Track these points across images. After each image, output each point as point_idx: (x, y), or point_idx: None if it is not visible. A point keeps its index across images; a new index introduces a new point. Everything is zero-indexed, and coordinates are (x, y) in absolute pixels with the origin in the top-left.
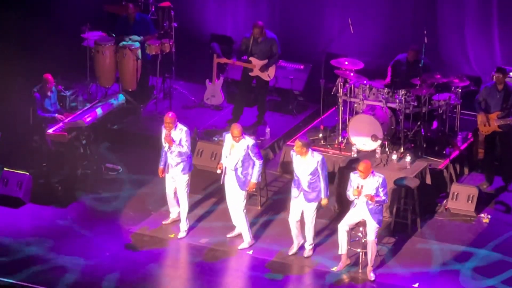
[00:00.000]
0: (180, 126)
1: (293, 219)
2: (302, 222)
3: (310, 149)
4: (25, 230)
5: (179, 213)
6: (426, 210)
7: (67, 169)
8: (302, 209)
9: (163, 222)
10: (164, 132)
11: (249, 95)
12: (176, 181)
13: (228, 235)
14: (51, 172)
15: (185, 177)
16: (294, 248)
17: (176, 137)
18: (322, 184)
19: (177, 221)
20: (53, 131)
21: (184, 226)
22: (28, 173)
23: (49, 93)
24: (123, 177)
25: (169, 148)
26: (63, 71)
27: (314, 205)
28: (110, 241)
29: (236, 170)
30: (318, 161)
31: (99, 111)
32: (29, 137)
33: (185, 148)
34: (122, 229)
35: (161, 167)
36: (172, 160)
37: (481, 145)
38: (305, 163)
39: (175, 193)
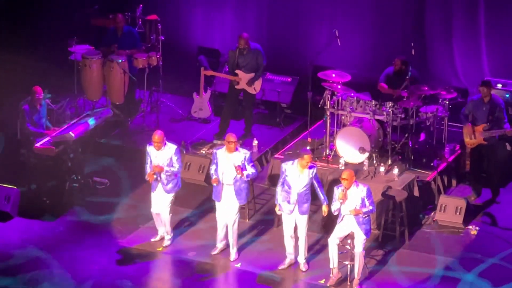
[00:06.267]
0: (169, 144)
1: (288, 234)
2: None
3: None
4: (13, 244)
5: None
6: (414, 222)
7: (55, 182)
8: (294, 223)
9: (152, 240)
10: (152, 152)
11: (236, 108)
12: (162, 197)
13: (213, 253)
14: (39, 185)
15: (171, 195)
16: (286, 264)
17: (165, 156)
18: (320, 194)
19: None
20: (40, 145)
21: (168, 235)
22: (15, 187)
23: (38, 107)
24: (111, 190)
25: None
26: (50, 85)
27: (306, 217)
28: (98, 255)
29: (235, 183)
30: (313, 172)
31: (86, 124)
32: (16, 151)
33: (177, 167)
34: (111, 243)
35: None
36: (163, 178)
37: (469, 157)
38: (302, 176)
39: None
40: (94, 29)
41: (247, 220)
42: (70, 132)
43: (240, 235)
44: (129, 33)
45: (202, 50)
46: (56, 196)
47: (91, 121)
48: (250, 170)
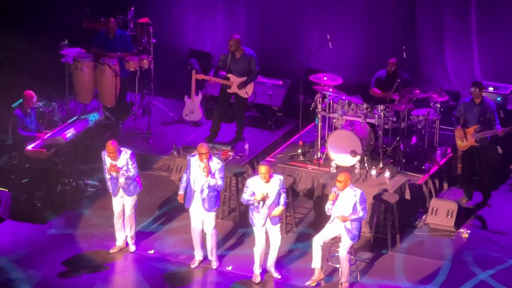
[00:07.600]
0: (124, 150)
1: (259, 249)
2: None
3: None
4: (4, 247)
5: (125, 240)
6: (406, 225)
7: (46, 185)
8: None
9: (111, 251)
10: (107, 160)
11: (227, 111)
12: (124, 201)
13: (192, 266)
14: (30, 188)
15: (134, 198)
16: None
17: (121, 162)
18: (282, 200)
19: (124, 248)
20: (32, 147)
21: (132, 240)
22: (7, 190)
23: (29, 110)
24: (102, 193)
25: (117, 175)
26: (41, 88)
27: (279, 226)
28: (88, 258)
29: (202, 191)
30: (279, 180)
31: (77, 127)
32: (8, 154)
33: (132, 172)
34: (101, 246)
35: (110, 191)
36: (122, 183)
37: (460, 160)
38: (269, 189)
39: (123, 215)
40: (86, 32)
41: (238, 223)
42: (61, 135)
43: (231, 238)
44: (121, 37)
45: (193, 53)
46: (48, 199)
47: (77, 128)
48: (218, 179)
